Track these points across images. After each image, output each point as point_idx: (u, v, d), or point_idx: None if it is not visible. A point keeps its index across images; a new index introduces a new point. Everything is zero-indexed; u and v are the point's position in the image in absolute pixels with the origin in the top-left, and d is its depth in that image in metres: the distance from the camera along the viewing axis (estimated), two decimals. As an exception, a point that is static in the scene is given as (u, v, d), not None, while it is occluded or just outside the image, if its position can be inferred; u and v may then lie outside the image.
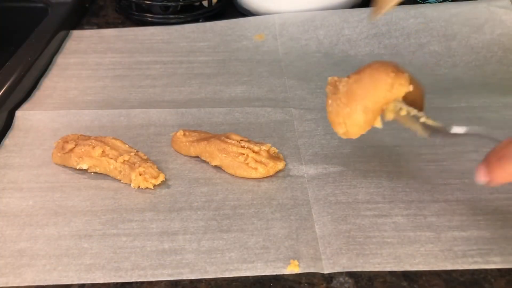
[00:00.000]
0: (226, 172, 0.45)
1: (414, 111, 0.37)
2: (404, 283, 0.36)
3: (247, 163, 0.44)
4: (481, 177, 0.33)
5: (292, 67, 0.62)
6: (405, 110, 0.37)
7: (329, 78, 0.40)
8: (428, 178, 0.45)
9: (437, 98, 0.55)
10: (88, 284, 0.36)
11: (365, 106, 0.37)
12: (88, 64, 0.62)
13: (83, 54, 0.64)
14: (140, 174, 0.43)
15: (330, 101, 0.39)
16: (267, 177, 0.45)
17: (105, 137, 0.47)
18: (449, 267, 0.37)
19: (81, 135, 0.48)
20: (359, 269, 0.36)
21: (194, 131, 0.49)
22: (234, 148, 0.45)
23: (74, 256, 0.38)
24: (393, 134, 0.50)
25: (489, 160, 0.33)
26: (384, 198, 0.42)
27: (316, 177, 0.45)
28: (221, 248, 0.38)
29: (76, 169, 0.45)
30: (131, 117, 0.53)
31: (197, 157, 0.47)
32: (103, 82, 0.59)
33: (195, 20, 0.72)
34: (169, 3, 0.71)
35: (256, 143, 0.46)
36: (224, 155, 0.45)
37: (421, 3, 0.71)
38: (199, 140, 0.47)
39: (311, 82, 0.59)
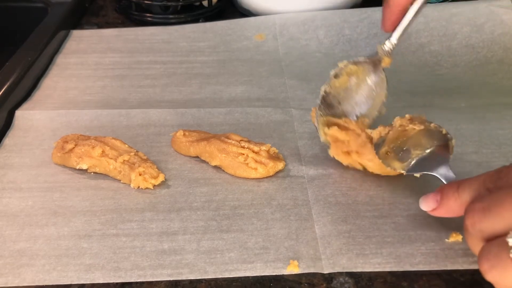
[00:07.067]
0: (226, 172, 0.45)
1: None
2: (404, 283, 0.36)
3: (247, 163, 0.44)
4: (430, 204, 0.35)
5: (292, 67, 0.62)
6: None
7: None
8: (428, 179, 0.44)
9: (437, 98, 0.55)
10: (87, 284, 0.36)
11: None
12: (88, 64, 0.62)
13: (83, 54, 0.64)
14: (140, 174, 0.43)
15: None
16: (267, 177, 0.45)
17: (104, 137, 0.47)
18: (449, 266, 0.37)
19: (80, 135, 0.48)
20: (359, 269, 0.36)
21: (194, 131, 0.49)
22: (234, 148, 0.45)
23: (73, 256, 0.38)
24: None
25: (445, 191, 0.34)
26: (384, 200, 0.42)
27: (316, 177, 0.45)
28: (220, 248, 0.38)
29: (75, 169, 0.45)
30: (131, 117, 0.53)
31: (197, 157, 0.47)
32: (103, 82, 0.59)
33: (195, 20, 0.72)
34: (169, 3, 0.71)
35: (256, 143, 0.46)
36: (224, 155, 0.45)
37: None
38: (199, 140, 0.47)
39: (312, 82, 0.59)
